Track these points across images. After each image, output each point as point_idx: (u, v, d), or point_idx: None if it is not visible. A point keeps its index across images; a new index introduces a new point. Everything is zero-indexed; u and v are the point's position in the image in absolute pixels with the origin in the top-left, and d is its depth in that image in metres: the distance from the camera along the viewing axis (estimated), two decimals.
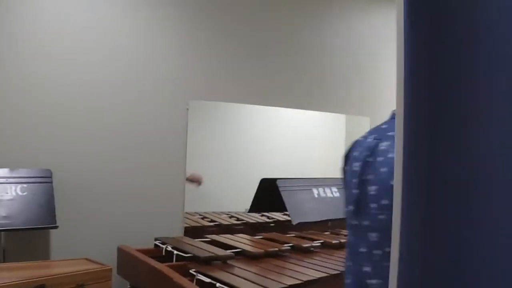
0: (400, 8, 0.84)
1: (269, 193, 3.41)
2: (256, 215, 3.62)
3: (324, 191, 3.60)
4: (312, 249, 2.89)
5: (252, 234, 3.16)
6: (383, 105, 4.28)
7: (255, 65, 3.49)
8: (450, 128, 0.75)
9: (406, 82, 0.82)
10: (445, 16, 0.78)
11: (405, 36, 0.84)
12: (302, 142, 3.97)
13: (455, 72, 0.76)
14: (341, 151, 4.14)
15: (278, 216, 3.62)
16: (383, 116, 4.37)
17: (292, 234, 3.21)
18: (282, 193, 3.32)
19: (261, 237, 3.10)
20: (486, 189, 0.72)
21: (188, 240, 2.91)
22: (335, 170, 4.39)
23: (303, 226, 3.28)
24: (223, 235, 3.03)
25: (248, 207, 3.49)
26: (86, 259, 2.47)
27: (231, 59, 3.39)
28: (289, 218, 3.32)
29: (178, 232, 3.09)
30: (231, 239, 2.95)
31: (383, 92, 4.28)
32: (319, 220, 3.38)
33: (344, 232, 3.41)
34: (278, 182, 3.35)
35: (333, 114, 3.97)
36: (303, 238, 3.13)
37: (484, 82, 0.72)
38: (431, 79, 0.77)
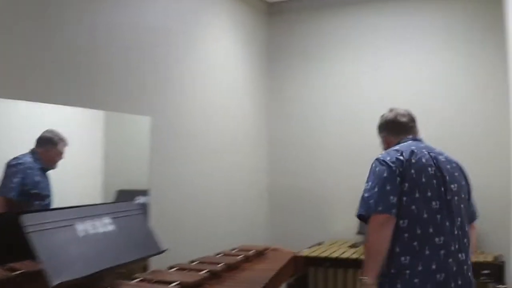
0: None
1: (10, 235, 2.09)
2: None
3: (93, 226, 2.42)
4: None
5: None
6: (170, 103, 3.31)
7: None
8: None
9: None
10: None
11: None
12: None
13: None
14: (100, 161, 2.94)
15: (27, 264, 2.27)
16: (171, 116, 3.41)
17: None
18: (31, 236, 2.03)
19: None
20: None
21: None
22: (95, 190, 3.25)
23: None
24: None
25: None
26: None
27: None
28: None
29: None
30: None
31: (167, 88, 3.32)
32: (91, 273, 2.19)
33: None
34: (22, 218, 2.05)
35: (93, 111, 2.83)
36: None
37: None
38: None
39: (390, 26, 4.60)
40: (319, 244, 4.20)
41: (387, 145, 2.57)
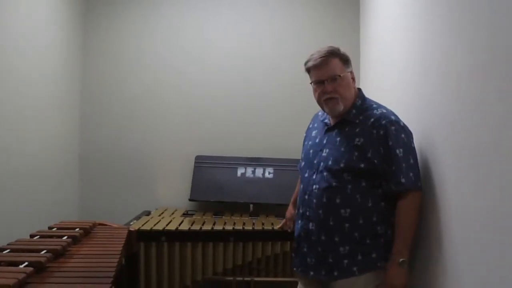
0: None
1: None
2: None
3: None
4: None
5: None
6: None
7: None
8: None
9: None
10: None
11: None
12: None
13: None
14: None
15: None
16: None
17: None
18: None
19: None
20: None
21: None
22: None
23: None
24: None
25: None
26: None
27: None
28: None
29: None
30: None
31: None
32: None
33: None
34: None
35: None
36: None
37: None
38: None
39: None
40: (147, 214, 3.63)
41: (349, 87, 2.17)
